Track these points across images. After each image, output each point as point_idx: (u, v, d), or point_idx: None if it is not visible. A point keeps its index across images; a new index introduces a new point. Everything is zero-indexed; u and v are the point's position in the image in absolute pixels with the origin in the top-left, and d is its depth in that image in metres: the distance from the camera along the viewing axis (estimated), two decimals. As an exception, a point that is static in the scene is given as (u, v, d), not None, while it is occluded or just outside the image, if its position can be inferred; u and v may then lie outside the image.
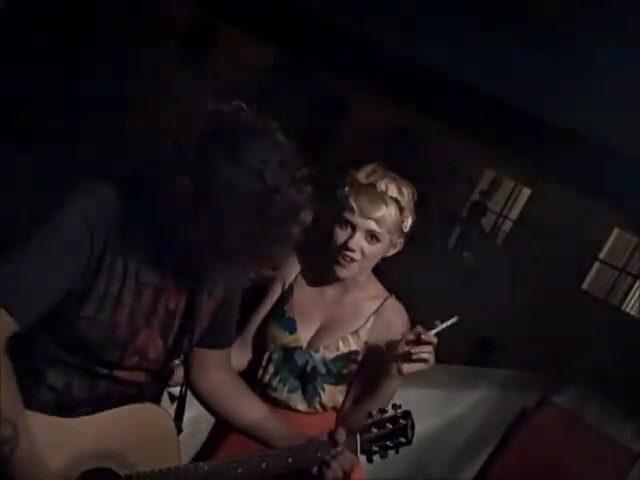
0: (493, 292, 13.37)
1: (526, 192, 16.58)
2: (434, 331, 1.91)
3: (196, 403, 1.84)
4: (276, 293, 2.18)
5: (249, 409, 1.81)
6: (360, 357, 2.10)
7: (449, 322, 1.93)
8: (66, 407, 1.51)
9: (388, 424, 1.81)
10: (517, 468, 4.50)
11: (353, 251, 2.01)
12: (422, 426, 1.91)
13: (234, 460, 1.65)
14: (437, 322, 1.93)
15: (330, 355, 2.08)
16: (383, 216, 2.00)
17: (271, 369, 2.10)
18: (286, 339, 2.10)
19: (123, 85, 13.55)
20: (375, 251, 2.04)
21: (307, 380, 2.09)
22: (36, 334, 1.49)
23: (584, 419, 4.75)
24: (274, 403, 2.08)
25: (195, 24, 18.30)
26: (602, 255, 15.11)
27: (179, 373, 1.75)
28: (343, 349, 2.08)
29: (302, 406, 2.10)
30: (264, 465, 1.67)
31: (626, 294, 15.06)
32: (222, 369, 1.81)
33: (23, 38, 13.38)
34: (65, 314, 1.48)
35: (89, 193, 1.48)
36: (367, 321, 2.11)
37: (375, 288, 2.16)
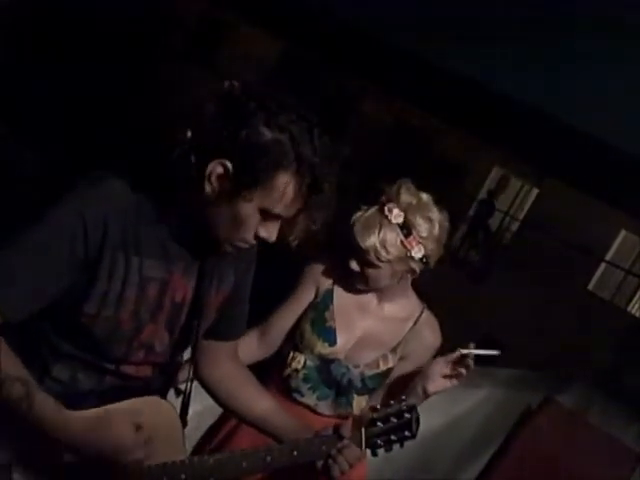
0: (498, 291, 13.34)
1: (534, 192, 16.53)
2: (474, 352, 1.89)
3: (201, 397, 1.84)
4: (306, 294, 2.12)
5: (257, 402, 1.81)
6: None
7: (490, 352, 1.89)
8: (72, 400, 1.51)
9: (393, 418, 1.81)
10: (520, 468, 4.50)
11: (354, 271, 1.98)
12: (425, 425, 1.91)
13: (239, 454, 1.65)
14: (471, 345, 1.90)
15: (369, 372, 2.08)
16: (373, 244, 1.91)
17: (301, 375, 2.08)
18: (325, 350, 2.07)
19: (126, 82, 13.53)
20: (376, 275, 1.97)
21: (341, 392, 2.09)
22: (42, 327, 1.49)
23: (588, 419, 4.74)
24: (296, 403, 2.09)
25: (204, 20, 18.30)
26: (608, 256, 15.06)
27: (186, 370, 1.74)
28: (382, 367, 2.08)
29: (328, 412, 2.11)
30: (269, 459, 1.68)
31: (632, 296, 15.01)
32: (230, 361, 1.81)
33: (22, 35, 13.36)
34: (68, 311, 1.47)
35: (87, 189, 1.45)
36: (404, 338, 2.10)
37: (410, 300, 2.13)
